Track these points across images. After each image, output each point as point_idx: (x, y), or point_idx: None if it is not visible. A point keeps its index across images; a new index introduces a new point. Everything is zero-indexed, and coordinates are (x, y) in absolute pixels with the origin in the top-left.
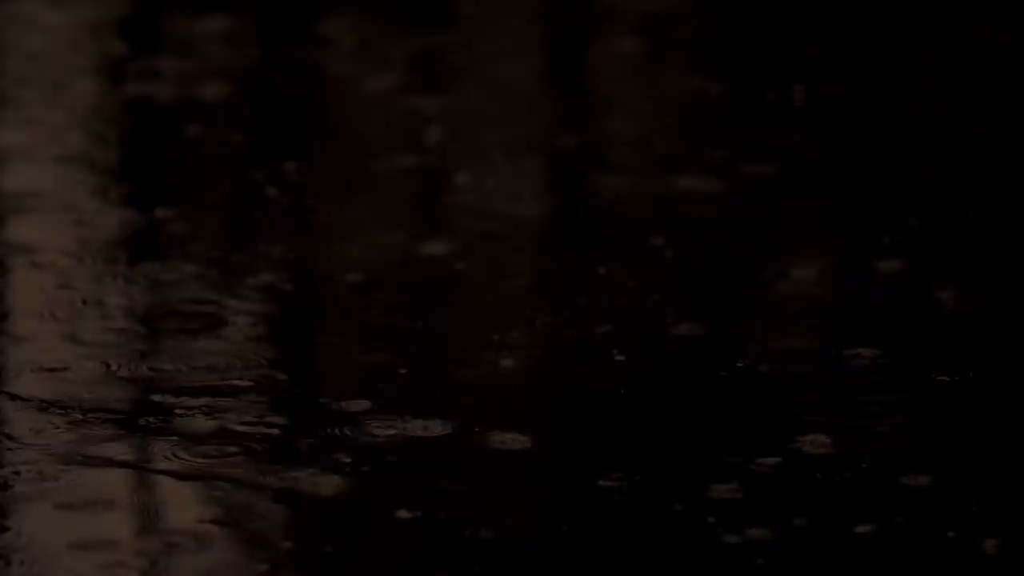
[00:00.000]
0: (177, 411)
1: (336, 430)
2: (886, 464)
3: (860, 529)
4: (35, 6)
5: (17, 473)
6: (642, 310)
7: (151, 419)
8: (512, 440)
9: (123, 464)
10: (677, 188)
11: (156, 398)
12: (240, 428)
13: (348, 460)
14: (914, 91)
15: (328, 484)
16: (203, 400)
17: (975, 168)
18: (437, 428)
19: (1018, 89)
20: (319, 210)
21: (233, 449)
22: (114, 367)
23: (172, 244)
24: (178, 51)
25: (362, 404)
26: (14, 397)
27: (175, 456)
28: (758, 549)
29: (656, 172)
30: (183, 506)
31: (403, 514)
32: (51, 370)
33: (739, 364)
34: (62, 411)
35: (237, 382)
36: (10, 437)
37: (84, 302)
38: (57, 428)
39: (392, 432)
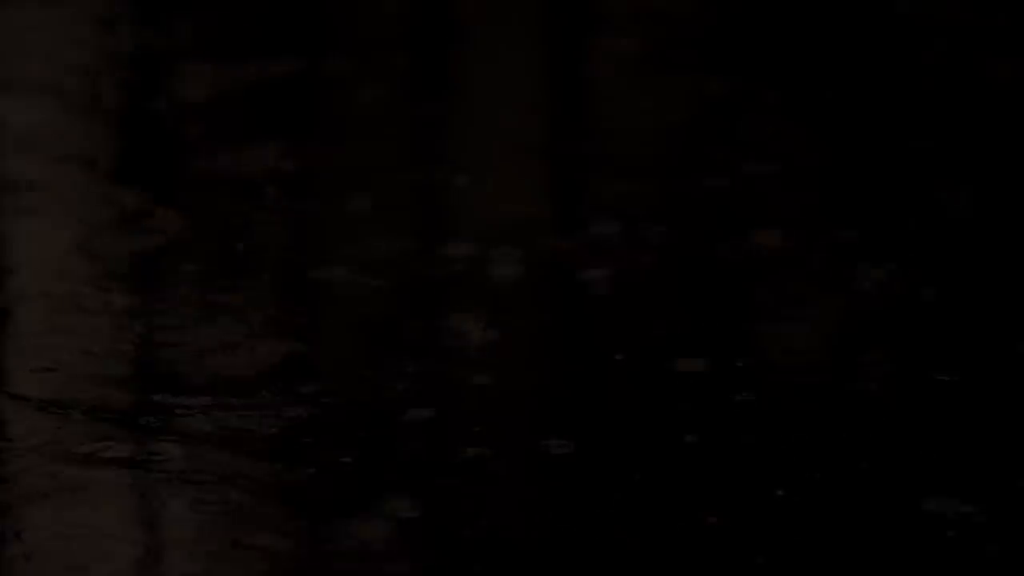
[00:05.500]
0: (177, 411)
1: (337, 430)
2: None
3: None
4: (33, 4)
5: (17, 473)
6: (642, 310)
7: (151, 419)
8: (513, 440)
9: (123, 464)
10: (678, 187)
11: (156, 398)
12: (240, 428)
13: (349, 460)
14: (915, 91)
15: (328, 484)
16: (203, 400)
17: (976, 169)
18: (438, 427)
19: (1019, 90)
20: (319, 210)
21: (233, 449)
22: (114, 367)
23: (172, 243)
24: (178, 48)
25: (363, 404)
26: (14, 397)
27: (175, 456)
28: (756, 551)
29: (656, 172)
30: (183, 506)
31: (403, 514)
32: (51, 370)
33: (738, 363)
34: (62, 411)
35: (237, 381)
36: (10, 437)
37: (83, 301)
38: (57, 428)
39: (393, 431)
